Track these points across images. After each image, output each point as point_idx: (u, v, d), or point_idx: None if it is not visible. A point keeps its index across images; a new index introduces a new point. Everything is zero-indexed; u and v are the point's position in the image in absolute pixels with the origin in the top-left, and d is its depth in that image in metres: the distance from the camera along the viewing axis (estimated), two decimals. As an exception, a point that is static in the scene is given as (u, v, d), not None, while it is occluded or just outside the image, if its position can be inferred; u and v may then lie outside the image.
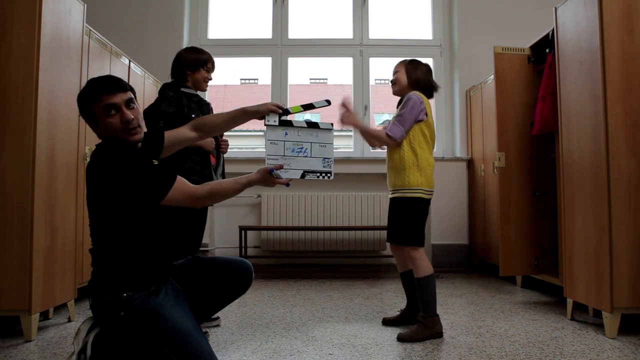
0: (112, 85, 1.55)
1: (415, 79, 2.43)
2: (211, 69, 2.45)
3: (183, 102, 2.31)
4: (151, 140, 1.73)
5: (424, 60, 2.57)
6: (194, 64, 2.38)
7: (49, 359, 1.96)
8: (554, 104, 2.87)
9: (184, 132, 1.81)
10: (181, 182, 1.56)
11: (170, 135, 1.79)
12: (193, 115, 2.31)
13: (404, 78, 2.44)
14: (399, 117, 2.34)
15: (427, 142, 2.38)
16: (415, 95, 2.36)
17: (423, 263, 2.28)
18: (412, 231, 2.31)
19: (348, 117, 2.35)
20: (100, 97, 1.52)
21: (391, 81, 2.52)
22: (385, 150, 2.48)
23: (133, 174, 1.49)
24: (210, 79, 2.47)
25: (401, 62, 2.50)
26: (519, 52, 3.35)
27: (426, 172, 2.34)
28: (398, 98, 2.50)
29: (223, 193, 1.62)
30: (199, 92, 2.47)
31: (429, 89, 2.46)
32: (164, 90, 2.37)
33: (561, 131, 2.66)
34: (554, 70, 2.86)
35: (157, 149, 1.75)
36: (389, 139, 2.34)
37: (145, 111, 2.33)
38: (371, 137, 2.41)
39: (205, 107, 2.45)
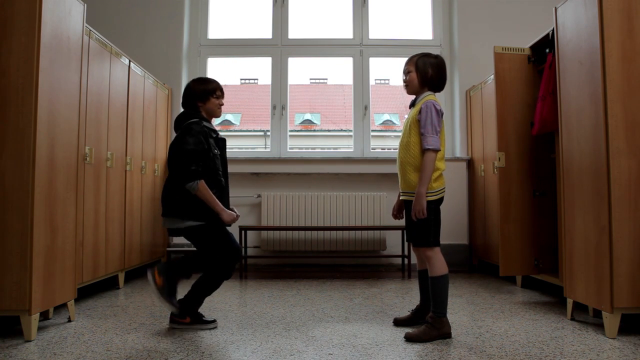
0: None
1: (428, 78, 2.37)
2: (220, 95, 2.50)
3: (207, 136, 2.38)
4: None
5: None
6: (202, 94, 2.45)
7: (49, 359, 1.95)
8: (554, 104, 2.87)
9: None
10: None
11: None
12: (216, 152, 2.41)
13: (415, 79, 2.38)
14: (427, 128, 2.27)
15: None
16: (430, 102, 2.31)
17: (437, 262, 2.28)
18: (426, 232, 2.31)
19: (418, 209, 2.25)
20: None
21: (403, 81, 2.46)
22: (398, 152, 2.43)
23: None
24: (222, 104, 2.52)
25: (411, 61, 2.41)
26: (519, 52, 3.35)
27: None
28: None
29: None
30: (214, 120, 2.55)
31: (441, 83, 2.42)
32: (188, 124, 2.38)
33: (561, 131, 2.66)
34: (554, 70, 2.86)
35: None
36: (435, 152, 2.27)
37: (173, 147, 2.34)
38: (431, 172, 2.28)
39: (222, 143, 2.52)
